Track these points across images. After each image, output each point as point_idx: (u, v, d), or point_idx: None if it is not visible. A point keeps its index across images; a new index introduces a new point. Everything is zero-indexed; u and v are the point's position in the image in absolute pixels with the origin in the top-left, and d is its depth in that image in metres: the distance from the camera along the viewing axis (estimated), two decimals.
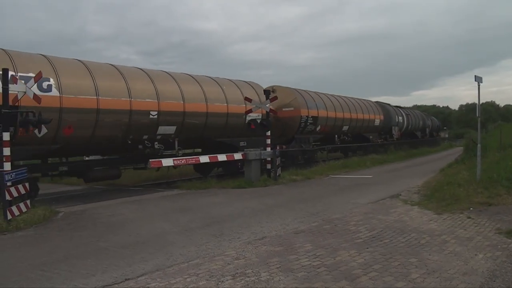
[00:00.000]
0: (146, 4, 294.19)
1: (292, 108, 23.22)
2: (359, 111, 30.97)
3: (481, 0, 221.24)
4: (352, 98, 32.26)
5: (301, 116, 23.21)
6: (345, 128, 29.14)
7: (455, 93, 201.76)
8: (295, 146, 23.43)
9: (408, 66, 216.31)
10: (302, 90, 25.33)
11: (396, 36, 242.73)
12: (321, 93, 27.89)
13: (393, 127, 37.88)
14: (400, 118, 40.36)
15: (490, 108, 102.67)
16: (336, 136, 28.74)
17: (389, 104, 40.25)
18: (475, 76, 13.35)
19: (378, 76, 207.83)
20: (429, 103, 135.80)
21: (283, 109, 22.84)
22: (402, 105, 51.65)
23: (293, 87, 24.74)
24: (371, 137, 33.58)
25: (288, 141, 23.57)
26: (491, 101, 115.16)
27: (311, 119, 24.09)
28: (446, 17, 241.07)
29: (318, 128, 25.28)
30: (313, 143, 25.54)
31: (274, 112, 18.32)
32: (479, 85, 13.49)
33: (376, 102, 37.66)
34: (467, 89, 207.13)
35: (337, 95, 30.13)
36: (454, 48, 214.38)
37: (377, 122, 34.20)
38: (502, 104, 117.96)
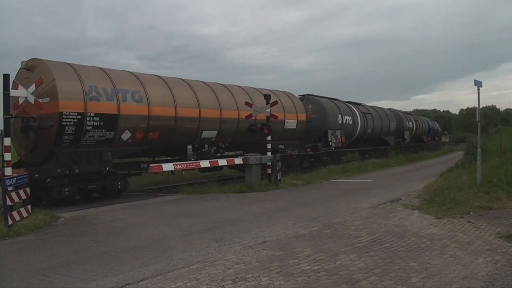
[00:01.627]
0: (147, 9, 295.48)
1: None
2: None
3: (481, 4, 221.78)
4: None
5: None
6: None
7: (455, 97, 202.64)
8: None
9: (408, 70, 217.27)
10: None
11: (396, 41, 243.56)
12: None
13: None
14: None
15: (490, 112, 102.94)
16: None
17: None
18: (475, 80, 13.38)
19: (378, 81, 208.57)
20: (429, 107, 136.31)
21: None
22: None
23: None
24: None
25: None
26: (492, 105, 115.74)
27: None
28: (447, 22, 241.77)
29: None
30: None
31: (274, 117, 18.35)
32: (478, 90, 13.51)
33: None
34: (468, 93, 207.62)
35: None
36: (454, 52, 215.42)
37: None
38: (502, 108, 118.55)
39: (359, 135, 31.79)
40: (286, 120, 22.42)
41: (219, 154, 19.46)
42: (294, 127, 23.29)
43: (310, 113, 26.66)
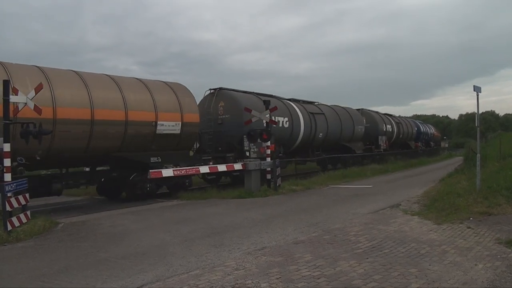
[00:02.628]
0: (146, 15, 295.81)
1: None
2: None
3: (481, 9, 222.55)
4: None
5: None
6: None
7: (454, 102, 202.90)
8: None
9: (407, 75, 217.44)
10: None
11: (395, 46, 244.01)
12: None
13: (379, 137, 35.38)
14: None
15: (490, 118, 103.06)
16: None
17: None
18: (474, 86, 13.40)
19: (377, 86, 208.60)
20: (428, 112, 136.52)
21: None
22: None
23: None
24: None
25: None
26: (491, 110, 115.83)
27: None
28: (446, 27, 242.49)
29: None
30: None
31: (274, 122, 18.37)
32: (478, 95, 13.54)
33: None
34: (467, 98, 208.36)
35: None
36: (453, 57, 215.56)
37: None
38: (501, 114, 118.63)
39: (302, 141, 24.54)
40: (159, 122, 16.29)
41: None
42: (177, 132, 17.07)
43: (222, 112, 20.73)
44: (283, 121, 22.41)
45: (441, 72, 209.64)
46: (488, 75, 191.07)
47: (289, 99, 25.48)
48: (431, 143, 57.05)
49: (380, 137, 35.26)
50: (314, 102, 28.66)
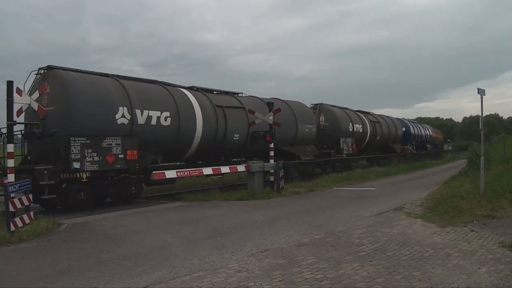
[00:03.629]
0: (148, 16, 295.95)
1: None
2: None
3: (484, 12, 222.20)
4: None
5: None
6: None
7: (458, 105, 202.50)
8: None
9: (410, 78, 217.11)
10: None
11: (398, 48, 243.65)
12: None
13: (342, 139, 28.38)
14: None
15: (493, 121, 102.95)
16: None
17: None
18: (478, 88, 13.38)
19: (380, 88, 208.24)
20: (432, 115, 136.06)
21: None
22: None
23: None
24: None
25: None
26: (495, 113, 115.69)
27: None
28: (449, 29, 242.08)
29: None
30: None
31: (277, 124, 18.34)
32: (482, 98, 13.51)
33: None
34: (470, 101, 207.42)
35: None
36: (457, 60, 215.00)
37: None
38: (505, 117, 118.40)
39: (203, 145, 17.56)
40: None
41: None
42: None
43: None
44: (357, 127, 24.04)
45: (444, 75, 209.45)
46: (492, 78, 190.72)
47: (189, 87, 18.95)
48: (427, 145, 51.64)
49: (342, 139, 28.40)
50: (238, 93, 21.60)
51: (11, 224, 9.67)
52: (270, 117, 17.95)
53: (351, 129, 29.82)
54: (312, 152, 25.10)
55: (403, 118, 47.11)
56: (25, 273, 7.04)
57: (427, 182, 21.03)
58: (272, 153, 18.14)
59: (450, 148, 73.43)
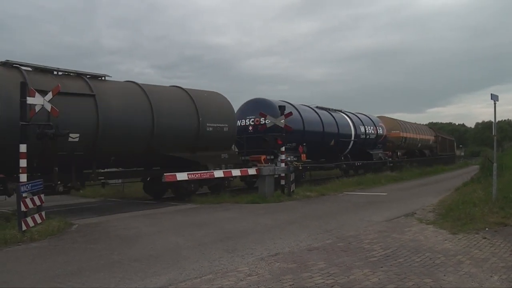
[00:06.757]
0: (159, 19, 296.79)
1: None
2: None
3: (497, 16, 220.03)
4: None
5: None
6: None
7: (471, 110, 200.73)
8: None
9: (423, 82, 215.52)
10: None
11: (410, 52, 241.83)
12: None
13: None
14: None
15: (506, 127, 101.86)
16: None
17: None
18: (491, 94, 13.28)
19: (392, 93, 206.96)
20: (444, 120, 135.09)
21: None
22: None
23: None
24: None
25: None
26: (507, 119, 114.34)
27: None
28: (462, 33, 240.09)
29: None
30: None
31: (289, 128, 18.30)
32: (495, 104, 13.39)
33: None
34: (483, 106, 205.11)
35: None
36: (469, 64, 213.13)
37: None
38: None
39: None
40: None
41: None
42: None
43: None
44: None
45: (457, 79, 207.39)
46: (505, 83, 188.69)
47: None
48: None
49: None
50: (101, 76, 15.25)
51: (23, 223, 9.76)
52: (282, 121, 17.89)
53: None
54: (231, 159, 18.83)
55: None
56: (36, 273, 7.09)
57: (438, 188, 20.87)
58: (283, 157, 18.09)
59: (463, 154, 72.90)
